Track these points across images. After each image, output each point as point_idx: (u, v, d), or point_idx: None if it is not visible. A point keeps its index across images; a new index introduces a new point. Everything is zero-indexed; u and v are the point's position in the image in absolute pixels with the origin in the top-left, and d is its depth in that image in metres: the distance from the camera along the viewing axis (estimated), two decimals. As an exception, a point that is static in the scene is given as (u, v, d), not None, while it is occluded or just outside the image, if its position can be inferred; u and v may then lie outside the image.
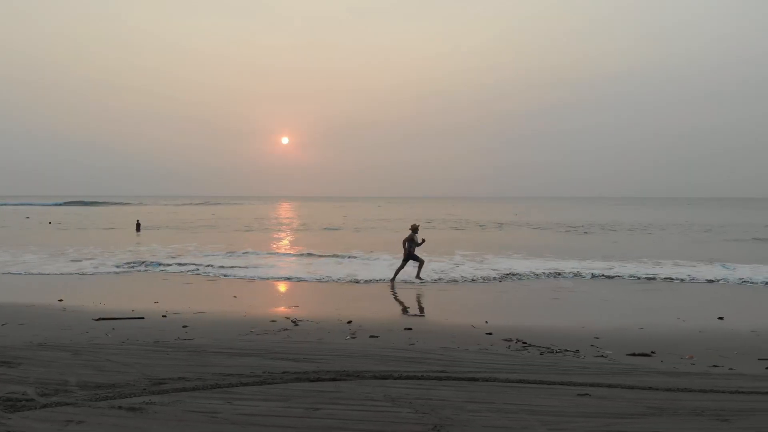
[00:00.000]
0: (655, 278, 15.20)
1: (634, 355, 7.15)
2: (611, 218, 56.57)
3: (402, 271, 14.88)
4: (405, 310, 11.01)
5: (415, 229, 15.29)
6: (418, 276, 14.68)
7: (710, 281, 14.78)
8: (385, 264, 17.79)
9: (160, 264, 17.71)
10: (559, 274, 15.99)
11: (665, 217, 60.86)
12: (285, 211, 76.94)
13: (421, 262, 14.87)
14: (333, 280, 14.91)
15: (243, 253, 21.81)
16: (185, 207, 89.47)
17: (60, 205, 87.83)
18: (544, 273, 16.09)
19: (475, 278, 15.32)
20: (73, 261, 18.85)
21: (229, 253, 21.73)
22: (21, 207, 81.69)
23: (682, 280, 15.01)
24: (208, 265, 17.39)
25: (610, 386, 5.60)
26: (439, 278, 15.25)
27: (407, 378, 5.79)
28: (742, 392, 5.36)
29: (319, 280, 14.93)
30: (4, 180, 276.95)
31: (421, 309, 11.18)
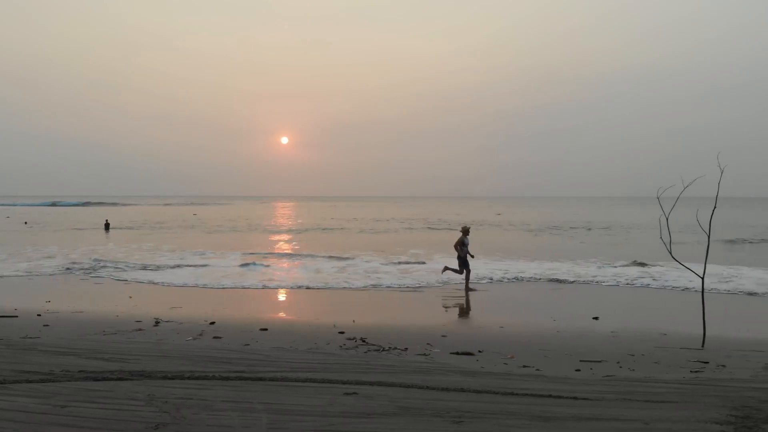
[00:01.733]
0: (575, 281, 15.12)
1: (457, 354, 7.14)
2: (595, 218, 56.41)
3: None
4: (270, 311, 11.01)
5: (466, 231, 14.62)
6: (466, 282, 14.05)
7: (628, 284, 14.69)
8: (299, 268, 17.59)
9: (99, 264, 17.78)
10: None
11: (650, 216, 60.62)
12: (269, 211, 77.01)
13: (468, 271, 14.14)
14: (242, 287, 14.08)
15: (190, 254, 21.89)
16: (172, 207, 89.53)
17: (48, 205, 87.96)
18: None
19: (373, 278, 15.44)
20: (26, 261, 18.88)
21: (179, 254, 21.82)
22: (11, 207, 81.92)
23: (598, 282, 14.92)
24: (141, 267, 17.42)
25: (390, 385, 5.60)
26: (339, 279, 15.20)
27: (194, 378, 5.79)
28: (515, 394, 5.33)
29: (233, 287, 14.19)
30: (4, 180, 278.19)
31: (293, 311, 11.19)
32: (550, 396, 5.29)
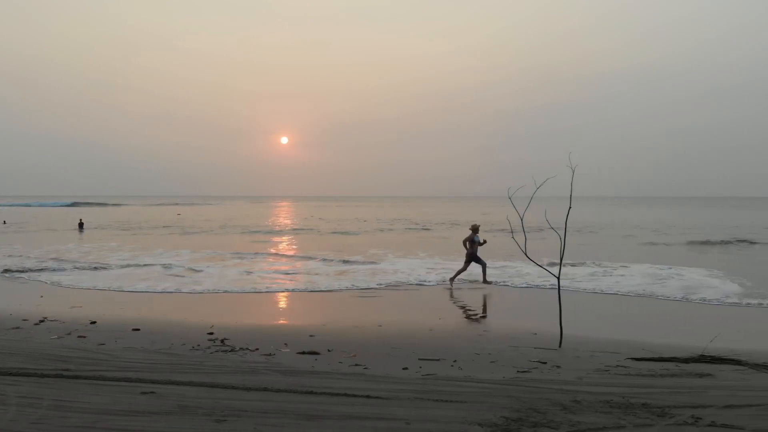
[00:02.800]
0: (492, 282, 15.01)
1: (303, 353, 7.20)
2: (574, 218, 56.31)
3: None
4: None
5: (475, 229, 14.94)
6: (485, 280, 14.39)
7: (537, 285, 14.50)
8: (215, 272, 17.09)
9: (42, 264, 17.94)
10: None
11: (635, 216, 60.57)
12: (257, 211, 77.13)
13: (483, 264, 14.56)
14: (153, 291, 13.51)
15: (147, 255, 22.00)
16: (160, 207, 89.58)
17: (36, 205, 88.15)
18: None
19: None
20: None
21: (132, 254, 21.96)
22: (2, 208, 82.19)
23: (504, 283, 14.88)
24: (88, 268, 17.53)
25: (198, 384, 5.66)
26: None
27: (13, 375, 5.88)
28: (314, 393, 5.39)
29: (146, 291, 13.62)
30: (4, 180, 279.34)
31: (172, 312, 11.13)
32: (345, 395, 5.35)
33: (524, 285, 14.44)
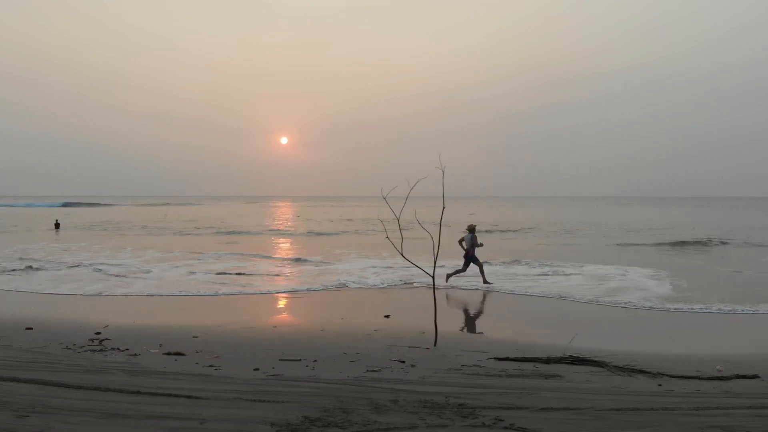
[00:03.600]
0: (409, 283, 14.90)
1: (168, 354, 7.24)
2: (561, 218, 56.34)
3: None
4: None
5: (471, 229, 14.92)
6: (485, 281, 14.30)
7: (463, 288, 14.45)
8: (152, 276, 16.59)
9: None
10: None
11: (624, 216, 60.47)
12: (246, 211, 77.12)
13: (479, 265, 14.50)
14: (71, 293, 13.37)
15: (104, 254, 22.07)
16: (150, 207, 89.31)
17: (22, 206, 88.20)
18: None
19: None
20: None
21: (93, 254, 22.06)
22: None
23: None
24: (36, 268, 17.61)
25: (35, 382, 5.71)
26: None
27: None
28: (140, 393, 5.42)
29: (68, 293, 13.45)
30: (4, 180, 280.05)
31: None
32: (168, 395, 5.38)
33: (448, 286, 14.36)
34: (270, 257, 21.71)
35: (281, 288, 14.09)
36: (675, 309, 11.17)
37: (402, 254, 8.08)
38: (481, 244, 14.82)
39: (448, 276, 14.59)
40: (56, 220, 36.73)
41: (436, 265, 8.20)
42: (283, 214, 68.26)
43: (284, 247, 26.02)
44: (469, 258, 14.53)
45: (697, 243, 28.89)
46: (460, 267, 14.67)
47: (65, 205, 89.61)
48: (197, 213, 65.88)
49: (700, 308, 11.17)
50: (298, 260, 20.15)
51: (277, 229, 39.40)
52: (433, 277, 8.25)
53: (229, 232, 35.19)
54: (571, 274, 16.75)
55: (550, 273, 16.99)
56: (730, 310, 11.04)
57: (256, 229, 38.50)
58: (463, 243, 14.71)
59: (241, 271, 17.28)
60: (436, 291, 8.33)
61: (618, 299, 12.22)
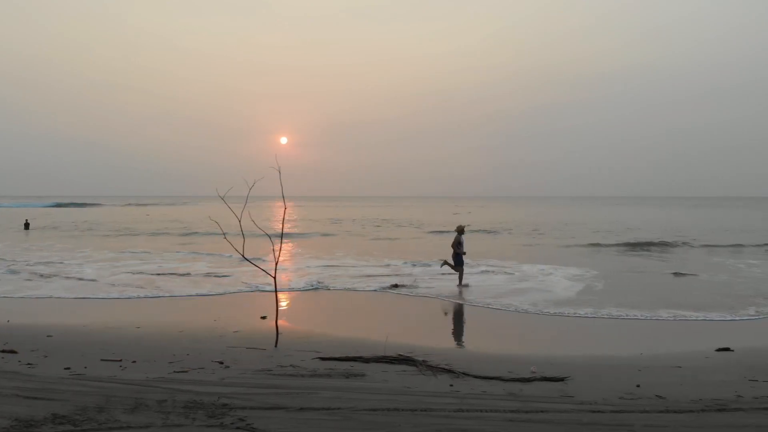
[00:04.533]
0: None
1: (3, 351, 7.32)
2: (545, 218, 56.27)
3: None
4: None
5: (461, 230, 15.03)
6: (460, 283, 14.38)
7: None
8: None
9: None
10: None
11: (604, 216, 60.33)
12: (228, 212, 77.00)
13: (455, 267, 14.58)
14: None
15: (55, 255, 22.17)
16: (136, 207, 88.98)
17: (7, 207, 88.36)
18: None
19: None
20: None
21: (40, 255, 22.15)
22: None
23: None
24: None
25: None
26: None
27: None
28: None
29: None
30: (4, 180, 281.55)
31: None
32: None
33: (352, 288, 14.41)
34: (219, 255, 21.67)
35: (185, 292, 13.79)
36: (555, 313, 11.09)
37: (243, 255, 8.12)
38: (464, 253, 14.83)
39: (444, 262, 14.82)
40: (26, 220, 36.94)
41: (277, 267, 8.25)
42: (266, 214, 67.93)
43: (243, 249, 25.67)
44: (457, 258, 14.59)
45: (663, 244, 28.77)
46: (456, 267, 14.70)
47: (57, 205, 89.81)
48: (181, 213, 65.83)
49: (586, 313, 11.07)
50: (243, 261, 20.02)
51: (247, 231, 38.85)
52: (274, 278, 8.29)
53: (191, 233, 34.95)
54: (497, 274, 16.81)
55: (475, 273, 17.02)
56: (615, 315, 10.89)
57: (224, 230, 37.59)
58: (455, 246, 14.73)
59: (174, 271, 17.34)
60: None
61: (510, 301, 12.19)
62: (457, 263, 14.56)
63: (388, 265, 18.72)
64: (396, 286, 14.13)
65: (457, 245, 14.59)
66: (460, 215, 63.80)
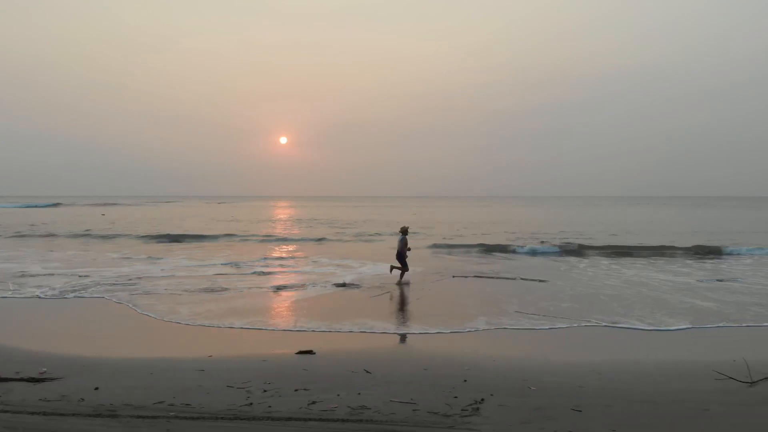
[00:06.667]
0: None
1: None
2: (493, 218, 56.15)
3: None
4: None
5: (404, 231, 15.76)
6: (399, 282, 15.07)
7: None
8: None
9: None
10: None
11: (569, 217, 60.02)
12: (201, 211, 77.48)
13: (398, 267, 15.38)
14: None
15: None
16: (89, 207, 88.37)
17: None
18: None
19: None
20: None
21: None
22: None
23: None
24: None
25: None
26: None
27: None
28: None
29: None
30: (4, 180, 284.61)
31: None
32: None
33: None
34: (149, 258, 21.63)
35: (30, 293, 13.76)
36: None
37: None
38: (410, 249, 15.74)
39: (392, 268, 15.65)
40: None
41: None
42: (245, 215, 67.84)
43: (188, 251, 24.87)
44: (401, 258, 15.28)
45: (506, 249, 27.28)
46: (403, 267, 15.44)
47: (26, 206, 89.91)
48: (142, 214, 66.05)
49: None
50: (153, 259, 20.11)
51: (200, 235, 35.10)
52: None
53: (112, 235, 34.73)
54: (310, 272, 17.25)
55: (308, 271, 17.44)
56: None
57: (181, 231, 36.13)
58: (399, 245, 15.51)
59: (52, 272, 17.31)
60: None
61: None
62: (402, 262, 15.38)
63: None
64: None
65: (401, 245, 15.43)
66: (417, 215, 63.99)
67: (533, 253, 24.60)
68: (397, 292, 13.96)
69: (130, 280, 15.86)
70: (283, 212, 74.34)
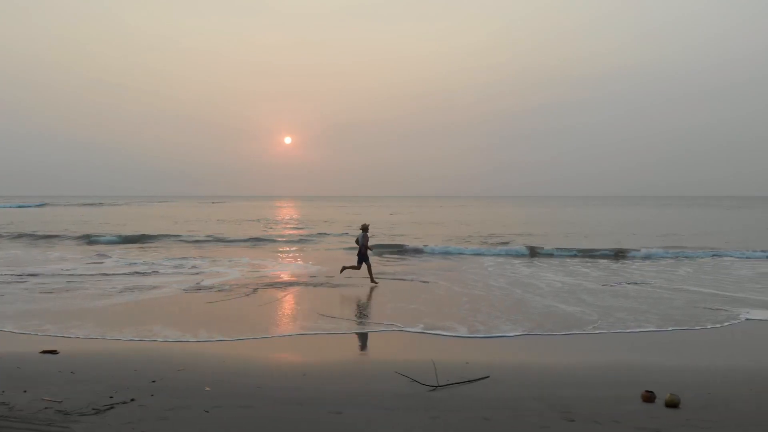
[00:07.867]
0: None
1: None
2: (472, 218, 55.75)
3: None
4: None
5: (365, 228, 15.40)
6: (372, 280, 14.99)
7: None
8: None
9: None
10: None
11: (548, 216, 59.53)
12: (189, 211, 77.43)
13: (368, 265, 15.12)
14: None
15: None
16: (69, 207, 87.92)
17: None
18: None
19: None
20: None
21: None
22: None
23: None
24: None
25: None
26: None
27: None
28: None
29: None
30: (4, 180, 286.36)
31: None
32: None
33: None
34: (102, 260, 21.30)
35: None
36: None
37: None
38: (371, 248, 15.37)
39: (344, 268, 15.34)
40: None
41: None
42: (231, 215, 67.59)
43: (149, 253, 24.36)
44: (361, 256, 14.96)
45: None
46: (354, 265, 15.12)
47: (17, 206, 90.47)
48: (124, 214, 65.96)
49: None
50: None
51: (174, 234, 34.75)
52: None
53: (107, 237, 33.53)
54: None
55: (186, 272, 17.02)
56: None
57: (152, 231, 35.86)
58: (358, 241, 15.16)
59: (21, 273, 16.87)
60: None
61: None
62: (365, 261, 15.00)
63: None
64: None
65: (362, 242, 15.06)
66: (395, 215, 63.67)
67: (446, 253, 24.37)
68: (238, 300, 12.81)
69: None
70: (266, 212, 73.91)
